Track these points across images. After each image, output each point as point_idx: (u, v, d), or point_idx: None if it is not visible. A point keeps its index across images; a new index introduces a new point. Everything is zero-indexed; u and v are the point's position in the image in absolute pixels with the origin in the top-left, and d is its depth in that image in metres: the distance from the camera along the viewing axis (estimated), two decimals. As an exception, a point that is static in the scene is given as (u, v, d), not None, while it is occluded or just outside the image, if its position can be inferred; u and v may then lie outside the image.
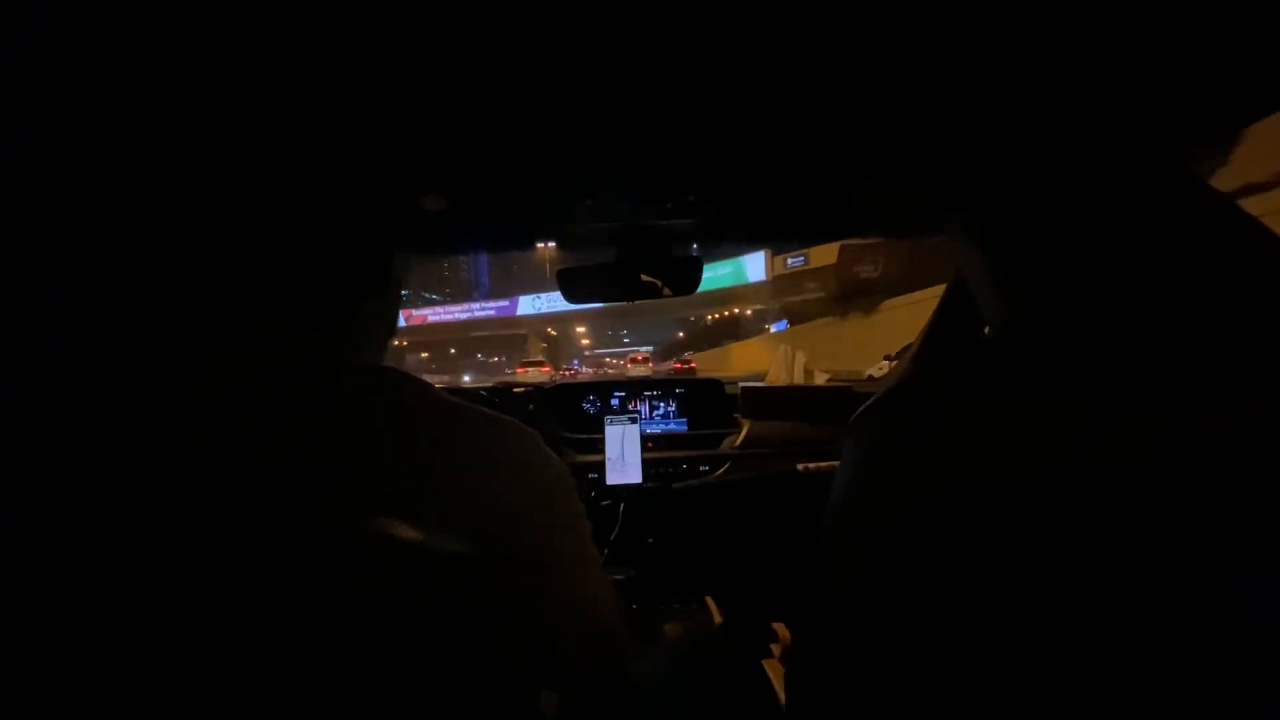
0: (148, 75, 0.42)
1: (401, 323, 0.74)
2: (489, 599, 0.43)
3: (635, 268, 1.23)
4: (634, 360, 35.72)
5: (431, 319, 57.46)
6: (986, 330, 0.57)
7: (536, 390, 1.63)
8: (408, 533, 0.38)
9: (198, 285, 0.38)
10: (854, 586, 0.47)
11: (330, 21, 0.46)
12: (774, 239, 1.24)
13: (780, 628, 1.06)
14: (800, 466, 1.49)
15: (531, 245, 1.25)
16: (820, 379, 1.67)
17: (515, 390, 1.62)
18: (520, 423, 0.53)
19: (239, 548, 0.36)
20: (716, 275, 31.54)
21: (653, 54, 0.55)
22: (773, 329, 30.41)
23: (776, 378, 1.67)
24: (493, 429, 0.51)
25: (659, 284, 1.26)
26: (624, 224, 1.15)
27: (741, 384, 1.66)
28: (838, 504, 0.49)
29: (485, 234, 1.18)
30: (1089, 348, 0.42)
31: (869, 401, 0.51)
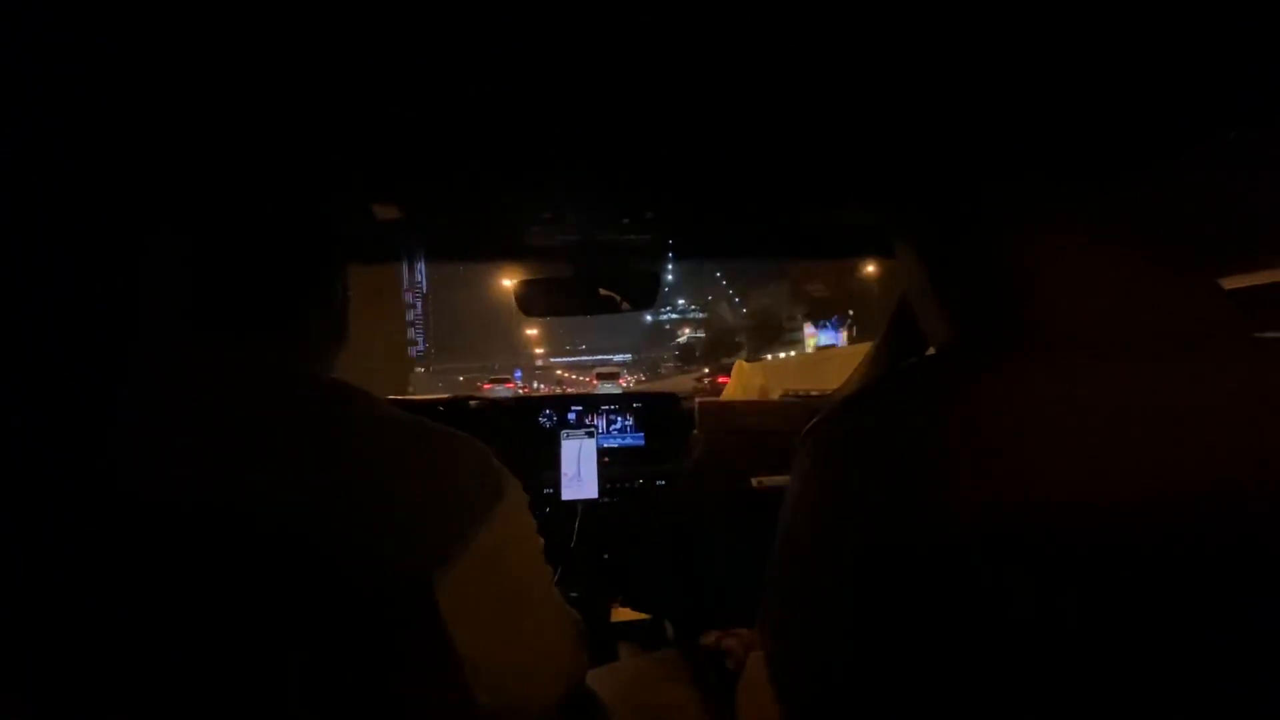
0: (83, 80, 0.40)
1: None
2: (436, 616, 0.41)
3: (593, 281, 1.23)
4: (603, 375, 29.70)
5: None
6: (930, 349, 0.60)
7: (492, 404, 1.61)
8: (349, 554, 0.37)
9: (128, 295, 0.36)
10: (808, 590, 0.47)
11: (282, 26, 0.45)
12: (729, 257, 1.27)
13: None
14: (756, 482, 1.51)
15: (488, 256, 1.24)
16: (775, 394, 1.70)
17: (471, 404, 1.59)
18: (472, 438, 0.52)
19: (163, 566, 0.34)
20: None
21: (614, 75, 0.55)
22: (811, 330, 27.01)
23: (733, 393, 1.69)
24: (443, 444, 0.49)
25: (617, 298, 1.27)
26: (582, 238, 1.15)
27: (699, 399, 1.68)
28: (790, 510, 0.50)
29: (439, 243, 1.17)
30: (1017, 363, 0.45)
31: (820, 415, 0.52)
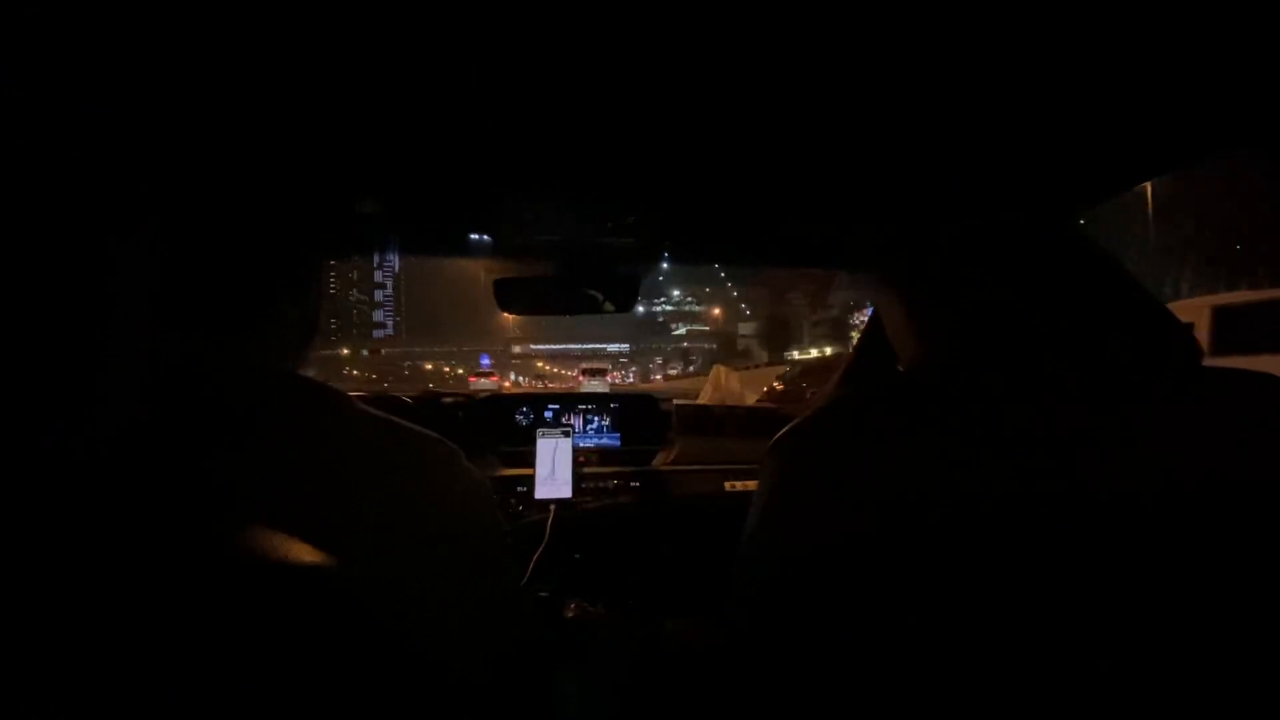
0: (61, 78, 0.39)
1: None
2: (397, 615, 0.41)
3: (575, 282, 1.23)
4: (590, 371, 26.40)
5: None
6: (900, 365, 0.62)
7: (466, 400, 1.59)
8: (307, 555, 0.37)
9: (96, 284, 0.35)
10: (766, 593, 0.48)
11: (266, 24, 0.44)
12: (709, 261, 1.28)
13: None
14: (729, 485, 1.52)
15: (468, 252, 1.23)
16: (750, 399, 1.71)
17: (444, 400, 1.57)
18: (439, 437, 0.52)
19: (129, 561, 0.33)
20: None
21: (594, 80, 0.56)
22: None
23: (709, 396, 1.70)
24: (409, 443, 0.49)
25: (598, 298, 1.27)
26: (564, 238, 1.15)
27: (675, 401, 1.68)
28: (756, 517, 0.51)
29: (418, 238, 1.16)
30: (985, 387, 0.46)
31: (789, 425, 0.53)
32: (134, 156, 0.41)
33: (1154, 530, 0.38)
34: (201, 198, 0.49)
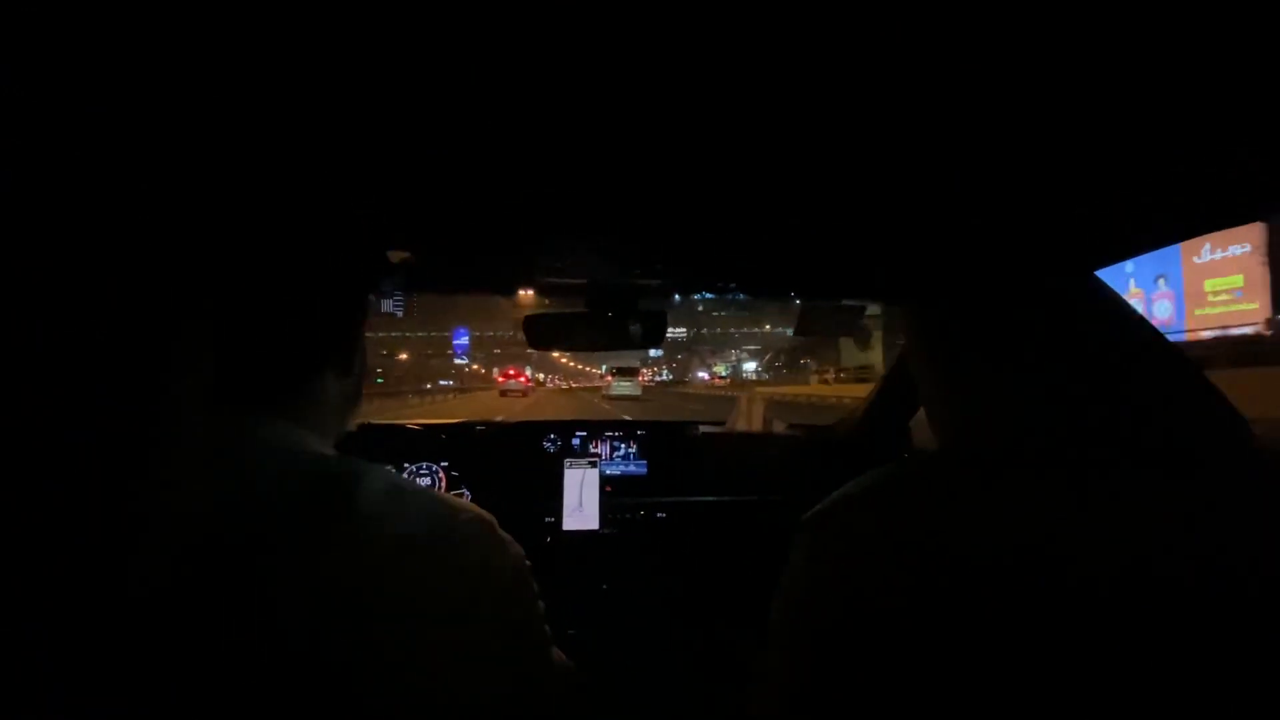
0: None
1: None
2: (435, 694, 0.42)
3: (603, 319, 1.23)
4: (620, 371, 25.92)
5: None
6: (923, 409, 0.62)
7: (498, 428, 1.61)
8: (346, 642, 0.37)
9: (151, 373, 0.35)
10: (797, 684, 0.48)
11: (296, 77, 0.44)
12: (738, 296, 1.27)
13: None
14: (758, 516, 1.51)
15: (498, 292, 1.24)
16: (779, 427, 1.70)
17: (478, 429, 1.59)
18: (476, 511, 0.52)
19: (163, 657, 0.34)
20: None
21: (622, 139, 0.55)
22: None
23: (736, 424, 1.69)
24: (449, 526, 0.49)
25: (627, 334, 1.27)
26: (592, 280, 1.15)
27: (702, 429, 1.67)
28: (786, 597, 0.51)
29: (449, 282, 1.17)
30: (1026, 470, 0.45)
31: (822, 505, 0.52)
32: (192, 236, 0.42)
33: (1199, 615, 0.36)
34: (254, 280, 0.49)
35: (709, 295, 1.33)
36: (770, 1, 0.32)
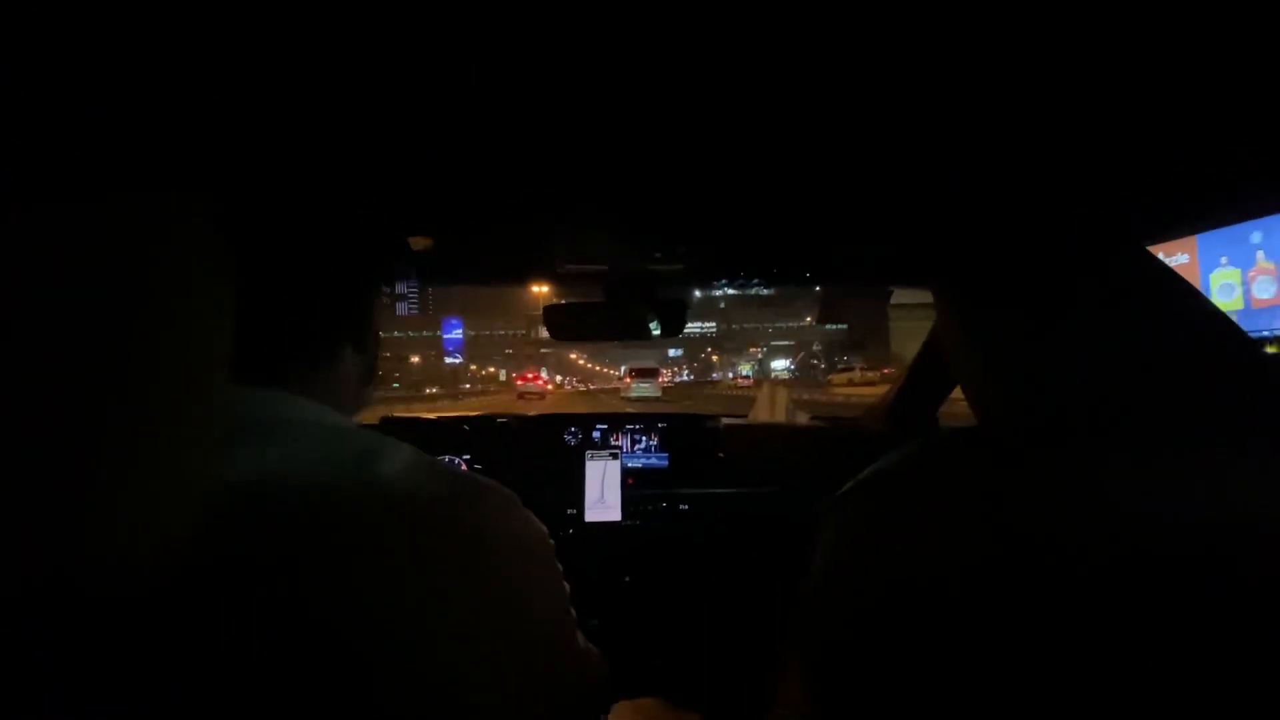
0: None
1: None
2: (464, 665, 0.41)
3: (623, 309, 1.23)
4: (638, 372, 24.46)
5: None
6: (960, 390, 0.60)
7: (519, 421, 1.61)
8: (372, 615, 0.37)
9: (163, 347, 0.35)
10: (828, 663, 0.47)
11: (321, 63, 0.45)
12: (760, 284, 1.26)
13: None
14: (780, 508, 1.49)
15: (518, 281, 1.24)
16: (802, 418, 1.68)
17: (499, 421, 1.59)
18: (500, 488, 0.51)
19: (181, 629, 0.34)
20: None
21: (643, 117, 0.55)
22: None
23: (759, 415, 1.67)
24: (476, 501, 0.49)
25: (647, 324, 1.26)
26: (612, 267, 1.15)
27: (724, 421, 1.66)
28: (817, 579, 0.50)
29: (470, 270, 1.18)
30: (1071, 446, 0.43)
31: (846, 487, 0.51)
32: (211, 213, 0.42)
33: (1235, 596, 0.35)
34: (262, 245, 0.49)
35: (727, 284, 1.32)
36: None
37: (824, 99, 0.51)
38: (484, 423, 1.60)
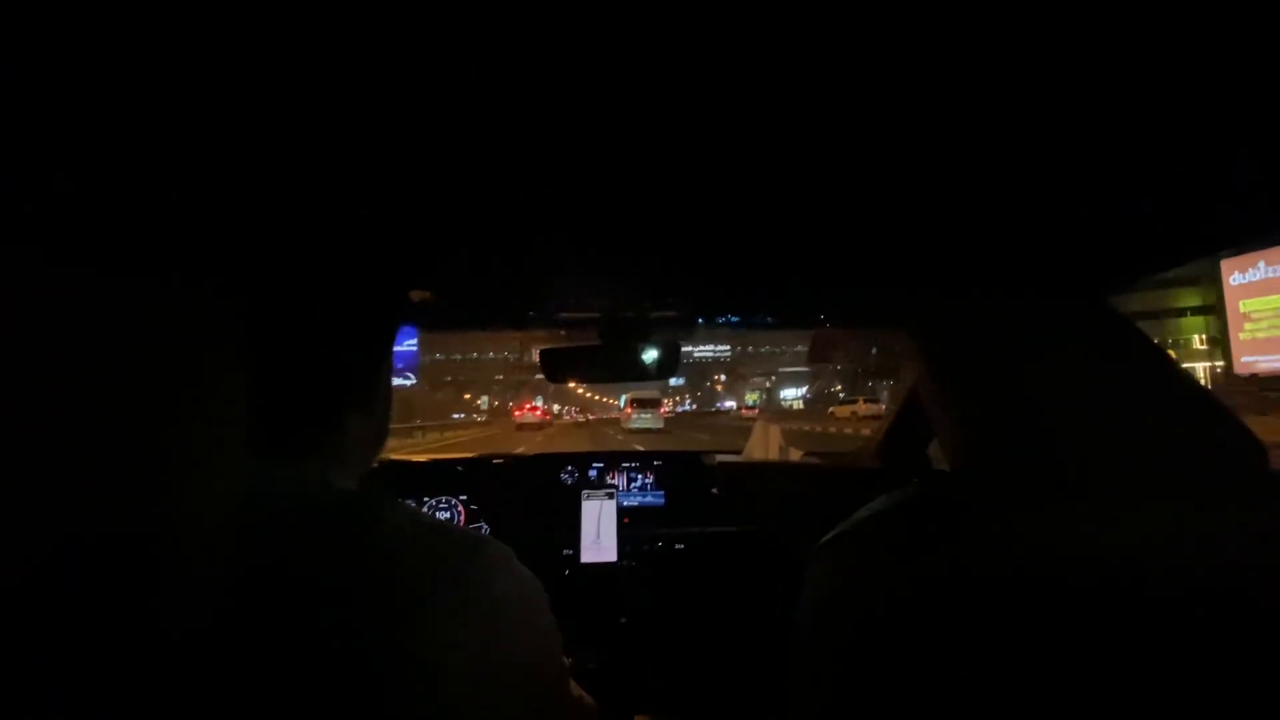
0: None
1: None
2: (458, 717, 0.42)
3: (617, 352, 1.26)
4: (639, 402, 23.96)
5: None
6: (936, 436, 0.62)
7: (515, 461, 1.63)
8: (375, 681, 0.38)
9: (196, 420, 0.37)
10: (819, 710, 0.48)
11: (323, 127, 0.47)
12: (753, 328, 1.29)
13: None
14: (777, 547, 1.50)
15: (515, 328, 1.27)
16: (795, 455, 1.69)
17: (494, 461, 1.61)
18: (494, 543, 0.53)
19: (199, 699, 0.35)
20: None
21: (633, 172, 0.58)
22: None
23: (753, 453, 1.68)
24: (470, 559, 0.50)
25: (642, 366, 1.29)
26: (606, 313, 1.18)
27: (719, 458, 1.67)
28: (802, 624, 0.51)
29: (467, 318, 1.21)
30: (1032, 496, 0.46)
31: (834, 533, 0.53)
32: (232, 283, 0.44)
33: (1210, 636, 0.36)
34: (272, 324, 0.52)
35: (716, 325, 1.35)
36: (764, 14, 0.33)
37: (813, 160, 0.54)
38: (479, 464, 1.61)
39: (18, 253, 0.32)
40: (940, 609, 0.42)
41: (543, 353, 1.29)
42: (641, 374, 1.29)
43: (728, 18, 0.33)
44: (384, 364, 0.61)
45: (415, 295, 0.97)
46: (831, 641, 0.48)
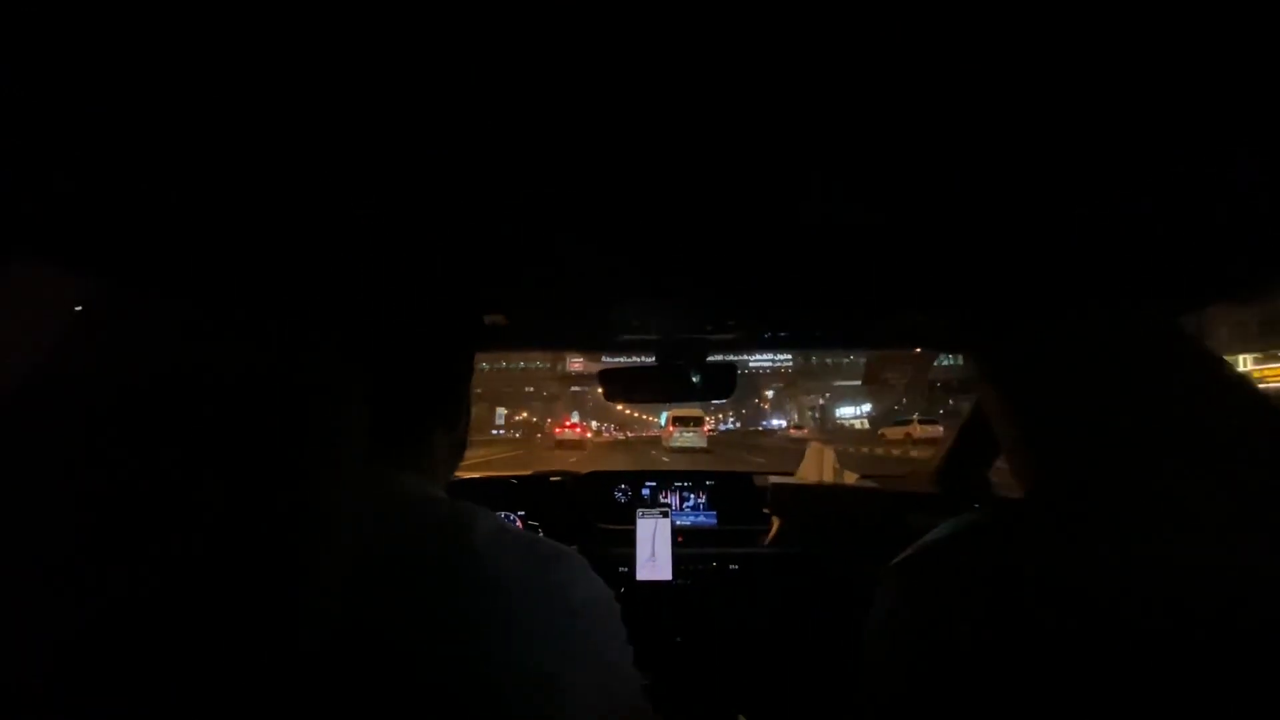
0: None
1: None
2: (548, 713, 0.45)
3: (675, 373, 1.29)
4: (681, 420, 23.14)
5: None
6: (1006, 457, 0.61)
7: (572, 479, 1.67)
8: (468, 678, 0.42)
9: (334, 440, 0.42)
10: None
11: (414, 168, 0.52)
12: (812, 349, 1.30)
13: None
14: (832, 571, 1.48)
15: (577, 349, 1.32)
16: (851, 478, 1.68)
17: (552, 479, 1.65)
18: (574, 553, 0.56)
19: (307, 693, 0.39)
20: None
21: (700, 200, 0.61)
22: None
23: (806, 475, 1.68)
24: (554, 563, 0.54)
25: (698, 386, 1.31)
26: (665, 335, 1.21)
27: (772, 480, 1.67)
28: (875, 644, 0.52)
29: (534, 341, 1.26)
30: (1109, 520, 0.46)
31: (910, 551, 0.54)
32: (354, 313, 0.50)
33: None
34: (383, 351, 0.57)
35: (772, 349, 1.37)
36: (835, 34, 0.35)
37: (880, 182, 0.56)
38: (535, 481, 1.66)
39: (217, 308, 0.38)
40: (1020, 635, 0.42)
41: (602, 372, 1.34)
42: (699, 394, 1.32)
43: (796, 40, 0.35)
44: (466, 384, 0.67)
45: (489, 319, 1.03)
46: (904, 662, 0.49)
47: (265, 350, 0.41)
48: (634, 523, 1.51)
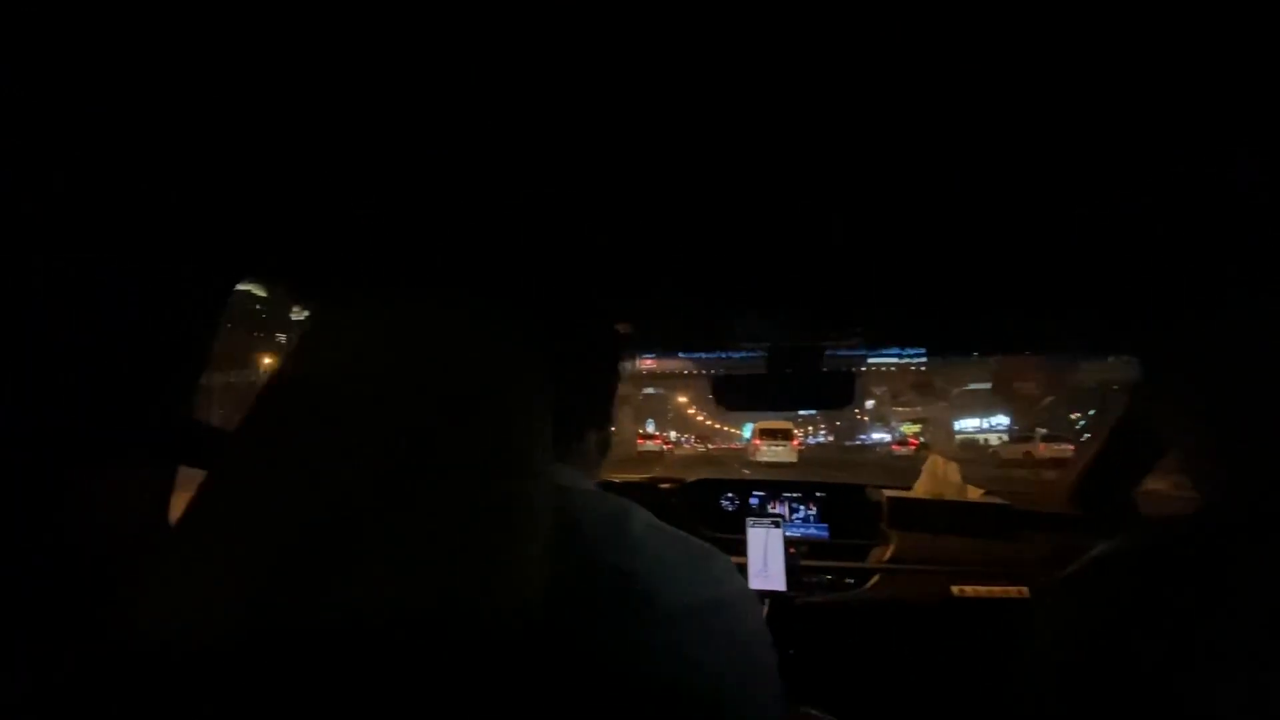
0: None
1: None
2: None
3: (790, 380, 1.27)
4: (768, 433, 21.55)
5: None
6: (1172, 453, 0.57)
7: (680, 486, 1.69)
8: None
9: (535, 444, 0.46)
10: None
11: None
12: (932, 355, 1.25)
13: None
14: (956, 590, 1.40)
15: (691, 351, 1.35)
16: (975, 494, 1.58)
17: (661, 486, 1.68)
18: (720, 552, 0.58)
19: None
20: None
21: (821, 211, 0.61)
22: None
23: (926, 489, 1.60)
24: (707, 562, 0.55)
25: (816, 395, 1.30)
26: (779, 340, 1.21)
27: (887, 493, 1.61)
28: (1035, 665, 0.50)
29: (653, 346, 1.30)
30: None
31: (1077, 567, 0.51)
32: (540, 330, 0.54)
33: None
34: (559, 363, 0.62)
35: (895, 358, 1.32)
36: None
37: (1034, 170, 0.54)
38: (646, 487, 1.69)
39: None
40: (1192, 646, 0.40)
41: (715, 379, 1.35)
42: (814, 402, 1.30)
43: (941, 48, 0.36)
44: (614, 386, 0.71)
45: (620, 328, 1.07)
46: (1083, 673, 0.47)
47: (483, 350, 0.45)
48: (742, 532, 1.50)
